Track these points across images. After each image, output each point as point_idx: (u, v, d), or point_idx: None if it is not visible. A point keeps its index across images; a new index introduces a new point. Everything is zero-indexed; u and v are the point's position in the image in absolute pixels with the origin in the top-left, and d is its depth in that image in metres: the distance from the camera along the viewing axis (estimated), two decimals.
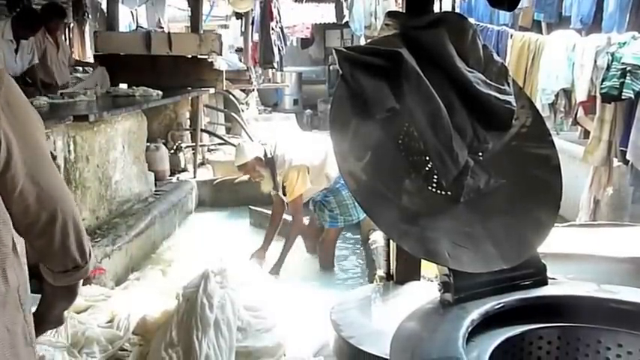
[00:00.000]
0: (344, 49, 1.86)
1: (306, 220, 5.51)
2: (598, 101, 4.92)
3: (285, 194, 5.25)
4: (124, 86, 7.08)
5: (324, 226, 5.40)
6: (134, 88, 6.61)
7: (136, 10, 12.32)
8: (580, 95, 5.13)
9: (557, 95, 5.47)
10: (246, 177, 7.41)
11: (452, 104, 1.87)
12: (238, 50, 14.48)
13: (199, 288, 3.26)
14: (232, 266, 3.61)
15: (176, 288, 3.46)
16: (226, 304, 3.26)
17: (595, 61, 4.88)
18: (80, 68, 8.77)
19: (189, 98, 8.14)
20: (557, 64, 5.39)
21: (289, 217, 5.51)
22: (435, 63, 1.90)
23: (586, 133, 5.53)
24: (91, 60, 8.84)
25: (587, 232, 3.00)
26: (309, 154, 5.17)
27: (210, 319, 3.13)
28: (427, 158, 1.86)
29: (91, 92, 6.02)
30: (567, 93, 5.43)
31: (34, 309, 1.36)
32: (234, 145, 8.80)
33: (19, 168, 1.20)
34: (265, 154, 5.27)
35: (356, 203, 5.16)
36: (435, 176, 1.86)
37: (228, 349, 3.12)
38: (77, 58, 9.51)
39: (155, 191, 6.82)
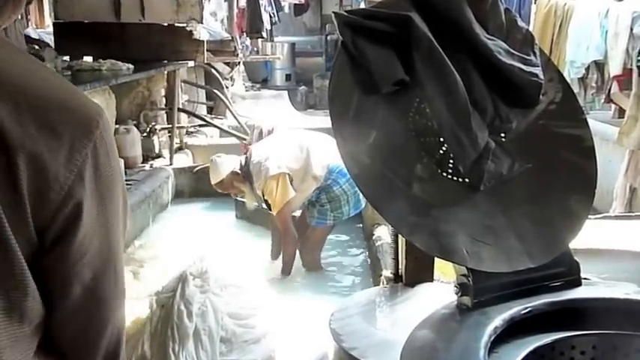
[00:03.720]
0: (345, 13, 1.84)
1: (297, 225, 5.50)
2: (635, 75, 4.91)
3: (269, 208, 5.27)
4: (88, 59, 7.05)
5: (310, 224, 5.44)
6: (100, 61, 6.58)
7: None
8: (614, 68, 5.13)
9: (587, 68, 5.47)
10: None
11: (470, 77, 1.86)
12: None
13: (176, 293, 3.25)
14: (215, 267, 3.60)
15: (149, 293, 3.45)
16: (208, 312, 3.25)
17: (631, 29, 4.87)
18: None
19: (165, 73, 8.11)
20: (588, 32, 5.38)
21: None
22: (450, 29, 1.88)
23: (621, 112, 5.52)
24: (50, 28, 8.78)
25: (623, 225, 2.99)
26: (288, 159, 5.24)
27: (189, 329, 3.12)
28: (441, 139, 1.85)
29: (49, 66, 5.99)
30: (599, 66, 5.43)
31: None
32: (218, 127, 8.85)
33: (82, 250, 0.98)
34: (241, 166, 5.32)
35: (349, 199, 5.23)
36: (451, 160, 1.84)
37: None
38: (34, 26, 9.45)
39: (125, 181, 6.78)
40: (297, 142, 5.35)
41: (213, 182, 5.49)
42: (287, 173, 5.15)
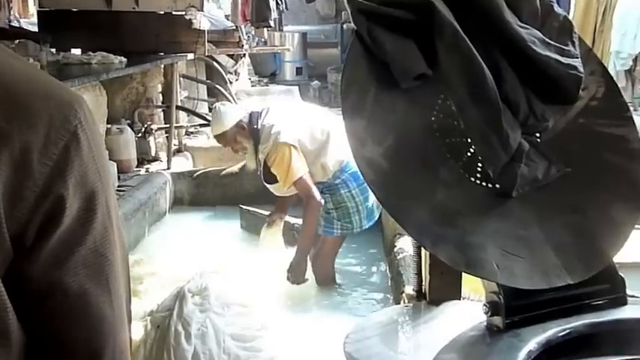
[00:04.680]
0: None
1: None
2: None
3: (268, 181, 5.19)
4: (77, 52, 7.07)
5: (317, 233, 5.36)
6: (90, 54, 6.58)
7: None
8: None
9: (635, 60, 5.44)
10: (235, 168, 7.45)
11: (500, 70, 1.85)
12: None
13: (173, 312, 3.25)
14: (217, 283, 3.60)
15: (143, 311, 3.46)
16: (208, 333, 3.25)
17: None
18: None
19: (162, 67, 8.13)
20: (636, 19, 5.35)
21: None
22: (478, 16, 1.88)
23: None
24: (35, 18, 8.83)
25: None
26: (304, 135, 5.08)
27: (187, 352, 3.12)
28: (469, 140, 1.85)
29: (33, 60, 6.01)
30: None
31: None
32: None
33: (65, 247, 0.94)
34: (250, 121, 5.21)
35: (359, 208, 5.15)
36: (480, 164, 1.85)
37: None
38: (17, 15, 9.51)
39: (118, 187, 6.81)
40: (320, 122, 5.20)
41: (214, 133, 5.35)
42: (297, 148, 5.00)
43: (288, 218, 5.83)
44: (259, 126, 5.15)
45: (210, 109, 10.53)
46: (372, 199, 5.09)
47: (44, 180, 0.90)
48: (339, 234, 5.25)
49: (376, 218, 5.31)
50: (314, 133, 5.12)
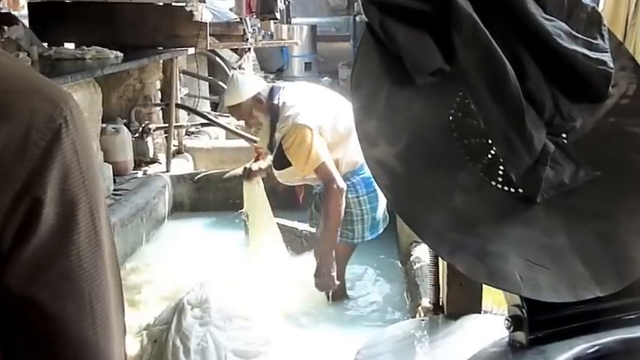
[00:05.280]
0: None
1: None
2: None
3: (279, 165, 5.04)
4: (70, 46, 7.10)
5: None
6: (84, 48, 6.61)
7: None
8: None
9: None
10: (239, 170, 7.45)
11: (523, 65, 1.85)
12: None
13: (171, 325, 3.26)
14: (218, 295, 3.60)
15: (139, 326, 3.46)
16: (208, 348, 3.26)
17: None
18: None
19: (161, 62, 8.16)
20: None
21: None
22: (499, 7, 1.88)
23: None
24: (25, 10, 8.87)
25: None
26: (327, 124, 4.95)
27: None
28: (489, 141, 1.85)
29: (23, 55, 6.04)
30: None
31: None
32: (223, 127, 8.86)
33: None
34: (270, 96, 5.09)
35: (364, 217, 5.05)
36: (501, 167, 1.85)
37: None
38: (7, 7, 9.54)
39: (114, 191, 6.83)
40: (345, 115, 4.88)
41: (228, 104, 5.23)
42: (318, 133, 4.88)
43: (290, 223, 5.82)
44: (279, 102, 5.02)
45: (212, 107, 10.56)
46: (380, 211, 5.05)
47: (21, 182, 0.89)
48: (338, 241, 5.03)
49: (379, 232, 5.20)
50: (337, 125, 4.97)
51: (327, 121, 4.94)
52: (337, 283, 4.92)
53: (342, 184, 4.82)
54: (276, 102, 5.01)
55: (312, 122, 4.85)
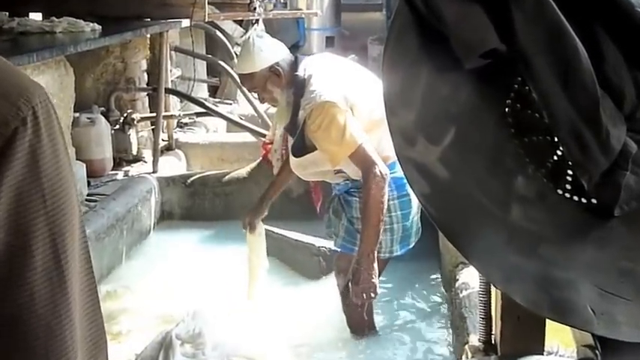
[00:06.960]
0: None
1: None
2: None
3: (298, 150, 5.00)
4: (36, 17, 7.15)
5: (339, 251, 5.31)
6: (54, 19, 6.68)
7: None
8: None
9: None
10: (242, 172, 7.47)
11: (599, 45, 1.82)
12: None
13: None
14: (214, 327, 3.61)
15: None
16: None
17: None
18: None
19: (148, 37, 8.27)
20: None
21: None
22: None
23: None
24: None
25: None
26: (361, 105, 4.92)
27: None
28: (555, 139, 1.84)
29: None
30: None
31: None
32: (224, 117, 8.89)
33: None
34: (293, 67, 5.07)
35: (393, 226, 5.00)
36: (570, 171, 1.84)
37: None
38: None
39: (88, 195, 6.88)
40: (381, 100, 4.92)
41: (240, 71, 5.25)
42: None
43: (306, 238, 5.84)
44: (305, 75, 5.00)
45: (211, 92, 10.62)
46: (414, 219, 5.02)
47: None
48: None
49: (410, 247, 5.17)
50: (372, 110, 4.90)
51: (362, 103, 4.94)
52: (379, 292, 4.86)
53: (384, 169, 4.79)
54: (301, 74, 5.00)
55: (343, 100, 4.83)
